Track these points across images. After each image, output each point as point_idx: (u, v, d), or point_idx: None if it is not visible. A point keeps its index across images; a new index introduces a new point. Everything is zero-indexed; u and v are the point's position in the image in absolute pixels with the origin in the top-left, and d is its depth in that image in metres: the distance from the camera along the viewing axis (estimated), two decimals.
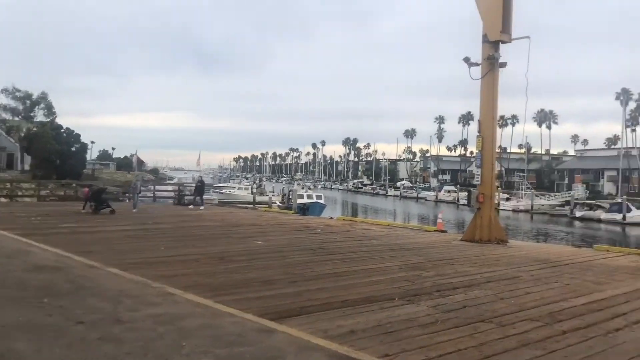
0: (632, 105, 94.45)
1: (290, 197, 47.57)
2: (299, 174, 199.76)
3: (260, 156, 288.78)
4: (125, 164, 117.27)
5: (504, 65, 14.36)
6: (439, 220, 18.62)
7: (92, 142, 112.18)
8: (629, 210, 61.92)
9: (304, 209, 29.59)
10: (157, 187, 33.28)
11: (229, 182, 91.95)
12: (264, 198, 57.95)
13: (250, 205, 47.99)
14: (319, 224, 17.71)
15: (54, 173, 51.38)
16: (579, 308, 7.02)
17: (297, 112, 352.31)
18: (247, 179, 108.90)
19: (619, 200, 67.45)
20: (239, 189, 70.62)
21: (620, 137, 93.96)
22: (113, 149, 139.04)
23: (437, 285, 8.20)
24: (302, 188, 58.02)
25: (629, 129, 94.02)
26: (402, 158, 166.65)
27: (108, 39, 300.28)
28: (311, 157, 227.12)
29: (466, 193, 61.78)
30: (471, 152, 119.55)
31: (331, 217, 22.35)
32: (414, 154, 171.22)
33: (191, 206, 23.69)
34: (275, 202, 54.71)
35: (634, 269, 10.42)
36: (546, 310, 6.83)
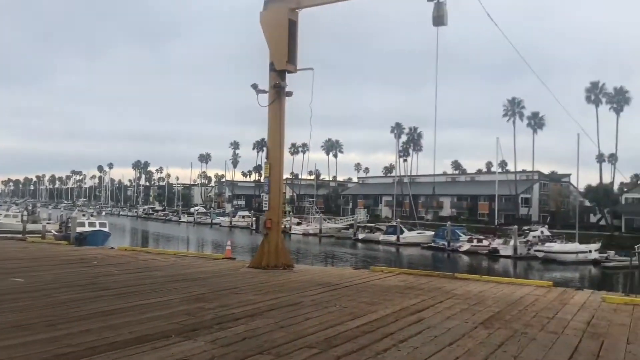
0: (404, 138, 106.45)
1: (70, 225, 43.32)
2: (82, 199, 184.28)
3: (35, 179, 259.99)
4: None
5: (290, 94, 14.81)
6: (227, 248, 18.37)
7: None
8: (402, 232, 69.20)
9: (80, 239, 26.96)
10: None
11: None
12: (37, 226, 52.01)
13: (19, 235, 42.61)
14: (97, 255, 16.16)
15: None
16: (353, 331, 7.24)
17: (82, 133, 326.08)
18: (16, 204, 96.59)
19: (394, 223, 74.99)
20: (5, 216, 62.24)
21: (395, 166, 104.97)
22: None
23: (219, 318, 7.83)
24: (84, 215, 53.21)
25: (401, 159, 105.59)
26: (196, 183, 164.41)
27: None
28: (97, 180, 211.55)
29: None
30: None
31: (112, 247, 20.67)
32: (209, 179, 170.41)
33: None
34: (51, 232, 49.48)
35: (403, 288, 11.30)
36: (323, 336, 6.89)
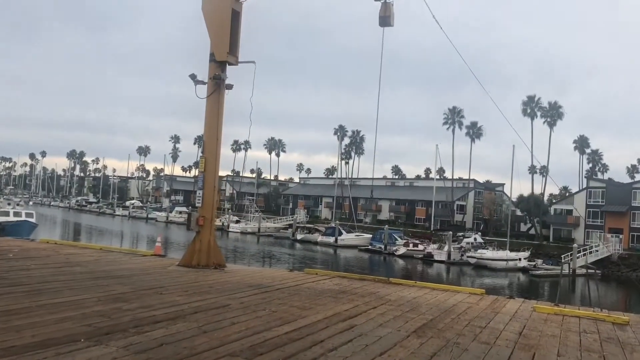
0: (346, 140, 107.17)
1: None
2: (9, 187, 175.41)
3: None
4: None
5: (230, 87, 14.26)
6: (157, 244, 17.57)
7: None
8: (340, 233, 69.49)
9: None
10: None
11: None
12: None
13: None
14: (14, 247, 15.03)
15: None
16: (281, 337, 6.83)
17: (15, 118, 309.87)
18: None
19: (333, 224, 75.21)
20: None
21: (337, 168, 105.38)
22: None
23: (137, 320, 7.24)
24: (9, 204, 50.36)
25: (343, 162, 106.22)
26: (134, 176, 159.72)
27: None
28: (28, 169, 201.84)
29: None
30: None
31: (32, 240, 19.40)
32: (148, 173, 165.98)
33: None
34: None
35: (337, 292, 10.99)
36: (248, 343, 6.46)
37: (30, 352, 5.49)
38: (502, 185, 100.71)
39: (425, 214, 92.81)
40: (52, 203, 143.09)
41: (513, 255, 57.54)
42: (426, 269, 53.87)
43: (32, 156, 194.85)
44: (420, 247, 61.36)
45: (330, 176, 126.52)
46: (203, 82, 14.09)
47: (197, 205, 14.37)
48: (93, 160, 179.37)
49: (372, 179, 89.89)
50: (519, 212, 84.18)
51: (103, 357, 5.51)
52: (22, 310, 7.37)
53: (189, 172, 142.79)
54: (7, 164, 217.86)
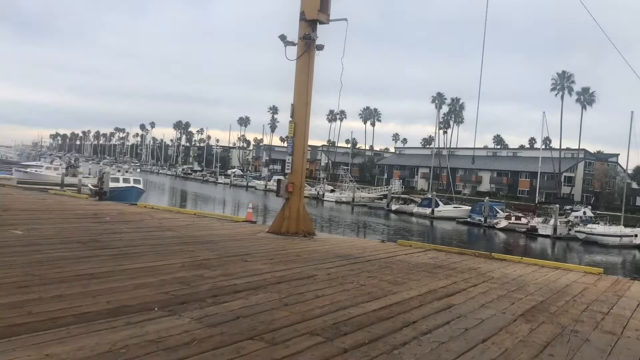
0: (445, 109, 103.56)
1: (104, 180, 43.34)
2: (126, 156, 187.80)
3: (81, 135, 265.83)
4: None
5: (321, 47, 13.53)
6: (248, 210, 17.44)
7: None
8: (437, 205, 67.55)
9: (99, 193, 26.45)
10: None
11: (39, 161, 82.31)
12: (76, 180, 52.53)
13: (58, 187, 42.95)
14: (113, 210, 15.45)
15: None
16: (368, 315, 6.13)
17: (127, 91, 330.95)
18: (59, 157, 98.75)
19: (429, 195, 73.27)
20: (47, 168, 63.17)
21: (434, 137, 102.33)
22: None
23: (216, 289, 6.84)
24: (119, 171, 53.41)
25: (441, 131, 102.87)
26: (235, 146, 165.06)
27: None
28: (139, 139, 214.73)
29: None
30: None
31: (133, 204, 20.03)
32: (248, 143, 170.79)
33: None
34: (87, 185, 49.78)
35: (432, 267, 10.11)
36: (331, 319, 5.82)
37: (101, 320, 5.18)
38: (616, 155, 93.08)
39: (530, 185, 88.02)
40: (160, 171, 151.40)
41: (628, 231, 53.00)
42: (529, 243, 51.03)
43: (142, 127, 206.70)
44: (524, 220, 58.09)
45: (427, 146, 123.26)
46: (293, 43, 13.45)
47: (286, 171, 13.93)
48: (198, 131, 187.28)
49: (474, 148, 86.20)
50: (635, 185, 77.50)
51: (173, 329, 5.08)
52: (104, 274, 7.20)
53: (287, 142, 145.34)
54: (121, 134, 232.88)
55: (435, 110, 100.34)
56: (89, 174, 64.06)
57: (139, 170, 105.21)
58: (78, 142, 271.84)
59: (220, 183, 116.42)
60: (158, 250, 9.51)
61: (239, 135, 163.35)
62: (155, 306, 5.82)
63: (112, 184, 44.08)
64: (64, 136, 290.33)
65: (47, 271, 7.08)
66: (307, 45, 13.16)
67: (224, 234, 12.52)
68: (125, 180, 47.96)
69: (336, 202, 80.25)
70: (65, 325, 4.92)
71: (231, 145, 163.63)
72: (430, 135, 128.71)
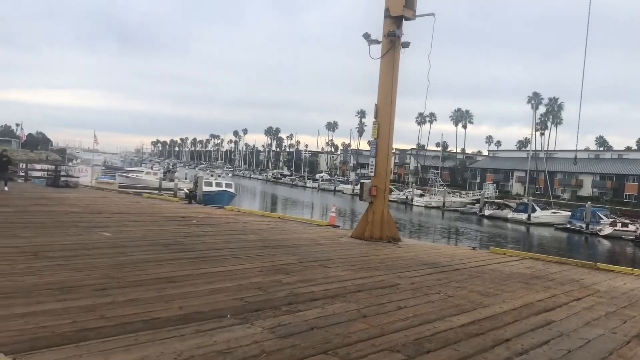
0: (542, 109, 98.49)
1: (198, 184, 44.97)
2: (220, 161, 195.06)
3: (179, 141, 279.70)
4: (30, 141, 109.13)
5: (407, 45, 12.96)
6: (331, 214, 17.12)
7: None
8: (534, 210, 64.09)
9: (190, 197, 27.25)
10: (34, 167, 29.79)
11: (141, 167, 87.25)
12: (172, 184, 54.91)
13: (156, 192, 45.06)
14: (199, 214, 15.70)
15: None
16: (455, 331, 5.56)
17: (221, 98, 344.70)
18: (159, 163, 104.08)
19: (525, 200, 69.75)
20: (146, 173, 66.67)
21: (530, 139, 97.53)
22: (17, 125, 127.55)
23: (293, 296, 6.53)
24: (211, 175, 55.24)
25: (538, 133, 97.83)
26: (323, 150, 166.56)
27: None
28: (232, 145, 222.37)
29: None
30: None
31: (220, 207, 20.36)
32: (336, 147, 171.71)
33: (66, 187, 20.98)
34: (183, 189, 51.88)
35: (528, 277, 9.26)
36: (414, 335, 5.31)
37: (169, 327, 5.00)
38: None
39: (638, 190, 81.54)
40: (251, 176, 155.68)
41: None
42: (638, 252, 47.09)
43: (235, 133, 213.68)
44: (632, 227, 53.69)
45: (523, 148, 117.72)
46: (377, 42, 13.00)
47: (369, 174, 13.47)
48: (287, 137, 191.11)
49: (575, 150, 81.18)
50: None
51: (243, 339, 4.80)
52: (182, 278, 7.11)
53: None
54: (216, 141, 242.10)
55: (531, 111, 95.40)
56: (185, 179, 66.83)
57: (231, 175, 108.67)
58: (177, 149, 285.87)
59: (309, 187, 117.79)
60: (239, 253, 9.39)
61: (327, 140, 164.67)
62: (228, 313, 5.58)
63: (205, 188, 45.64)
64: (163, 143, 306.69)
65: (127, 274, 7.09)
66: (392, 42, 12.65)
67: (306, 238, 12.27)
68: (218, 185, 49.44)
69: (425, 206, 78.47)
70: (134, 332, 4.78)
71: (319, 150, 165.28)
72: (526, 137, 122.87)
